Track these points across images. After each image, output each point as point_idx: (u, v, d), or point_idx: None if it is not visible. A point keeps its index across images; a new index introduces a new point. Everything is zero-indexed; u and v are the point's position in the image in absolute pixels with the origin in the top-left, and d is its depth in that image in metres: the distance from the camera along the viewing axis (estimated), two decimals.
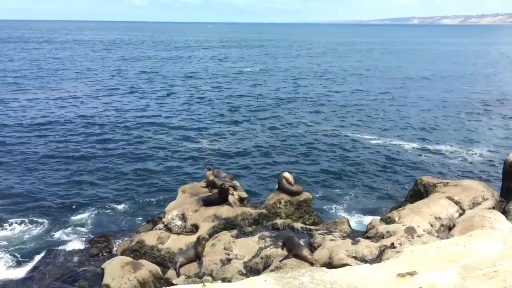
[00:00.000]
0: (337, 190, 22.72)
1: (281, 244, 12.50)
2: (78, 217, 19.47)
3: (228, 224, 14.96)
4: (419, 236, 12.82)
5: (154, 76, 64.18)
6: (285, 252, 12.12)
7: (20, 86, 51.98)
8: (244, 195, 17.33)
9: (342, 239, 13.17)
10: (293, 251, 11.76)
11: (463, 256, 6.74)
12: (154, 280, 12.58)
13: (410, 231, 13.19)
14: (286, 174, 16.62)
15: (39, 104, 41.81)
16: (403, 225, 13.63)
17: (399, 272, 6.43)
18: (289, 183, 16.43)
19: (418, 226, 13.57)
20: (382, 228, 13.79)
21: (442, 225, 14.43)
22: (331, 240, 13.00)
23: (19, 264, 15.71)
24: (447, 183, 17.09)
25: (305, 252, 11.71)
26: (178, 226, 15.19)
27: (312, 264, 11.30)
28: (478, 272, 6.22)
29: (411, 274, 6.37)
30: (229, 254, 12.85)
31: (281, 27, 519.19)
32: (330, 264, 11.63)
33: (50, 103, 42.41)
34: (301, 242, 12.56)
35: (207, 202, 15.69)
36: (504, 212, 15.00)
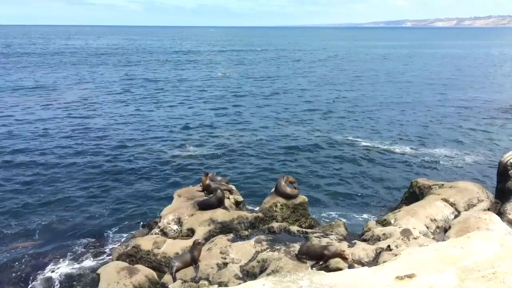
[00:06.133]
0: (333, 193, 22.71)
1: (300, 256, 12.07)
2: (73, 222, 19.30)
3: (224, 228, 14.89)
4: (415, 238, 12.83)
5: (150, 82, 63.87)
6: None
7: (15, 93, 51.71)
8: (240, 198, 17.27)
9: (338, 241, 13.15)
10: (325, 255, 11.66)
11: (461, 258, 6.75)
12: (150, 285, 12.49)
13: (406, 233, 13.21)
14: (287, 177, 16.65)
15: (31, 111, 41.64)
16: (399, 227, 13.65)
17: (398, 275, 6.42)
18: (291, 182, 16.42)
19: (414, 228, 13.60)
20: (378, 230, 13.80)
21: (437, 227, 14.47)
22: (328, 243, 12.97)
23: (12, 268, 15.54)
24: (442, 184, 17.14)
25: (335, 248, 11.78)
26: (174, 230, 15.11)
27: (346, 258, 11.49)
28: (476, 274, 6.22)
29: (410, 276, 6.37)
30: (225, 258, 12.79)
31: (279, 31, 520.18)
32: (326, 267, 11.60)
33: (41, 110, 42.22)
34: (307, 243, 12.57)
35: (203, 206, 15.62)
36: (499, 214, 15.05)
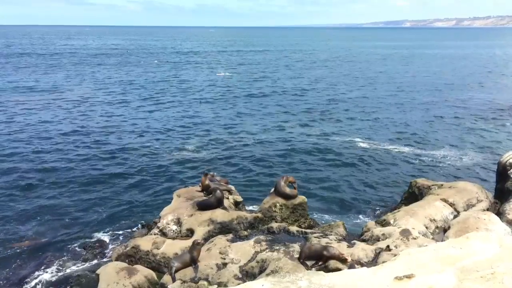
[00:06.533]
0: (332, 193, 22.70)
1: (302, 261, 11.98)
2: (72, 222, 19.29)
3: (223, 228, 14.89)
4: (414, 239, 12.83)
5: (150, 83, 63.81)
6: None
7: (15, 94, 51.68)
8: (240, 199, 17.27)
9: (337, 242, 13.14)
10: (324, 256, 11.67)
11: (460, 259, 6.74)
12: (149, 286, 12.47)
13: (405, 233, 13.21)
14: (287, 177, 16.60)
15: (31, 112, 41.65)
16: (398, 228, 13.64)
17: (397, 275, 6.41)
18: (291, 181, 16.40)
19: (413, 229, 13.59)
20: (378, 230, 13.80)
21: (437, 227, 14.46)
22: (327, 243, 12.96)
23: (10, 269, 15.52)
24: (442, 185, 17.13)
25: (334, 250, 11.75)
26: (173, 230, 15.10)
27: (345, 260, 11.50)
28: (475, 274, 6.22)
29: (409, 277, 6.36)
30: (224, 259, 12.78)
31: (279, 31, 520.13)
32: (326, 268, 11.60)
33: (41, 111, 42.21)
34: (307, 244, 12.54)
35: (202, 206, 15.62)
36: (498, 214, 15.07)
